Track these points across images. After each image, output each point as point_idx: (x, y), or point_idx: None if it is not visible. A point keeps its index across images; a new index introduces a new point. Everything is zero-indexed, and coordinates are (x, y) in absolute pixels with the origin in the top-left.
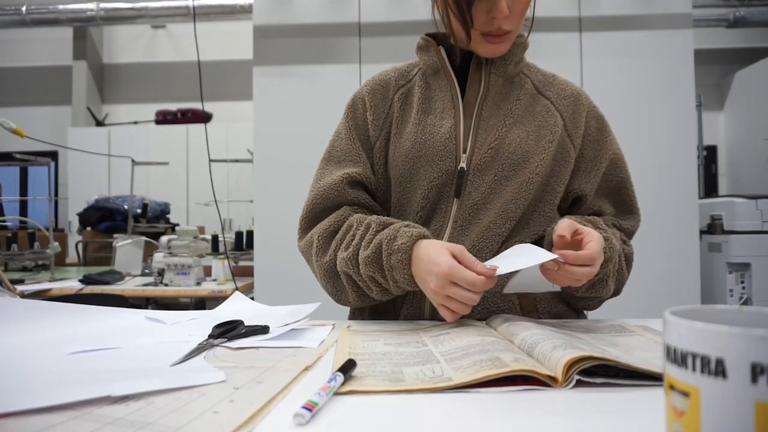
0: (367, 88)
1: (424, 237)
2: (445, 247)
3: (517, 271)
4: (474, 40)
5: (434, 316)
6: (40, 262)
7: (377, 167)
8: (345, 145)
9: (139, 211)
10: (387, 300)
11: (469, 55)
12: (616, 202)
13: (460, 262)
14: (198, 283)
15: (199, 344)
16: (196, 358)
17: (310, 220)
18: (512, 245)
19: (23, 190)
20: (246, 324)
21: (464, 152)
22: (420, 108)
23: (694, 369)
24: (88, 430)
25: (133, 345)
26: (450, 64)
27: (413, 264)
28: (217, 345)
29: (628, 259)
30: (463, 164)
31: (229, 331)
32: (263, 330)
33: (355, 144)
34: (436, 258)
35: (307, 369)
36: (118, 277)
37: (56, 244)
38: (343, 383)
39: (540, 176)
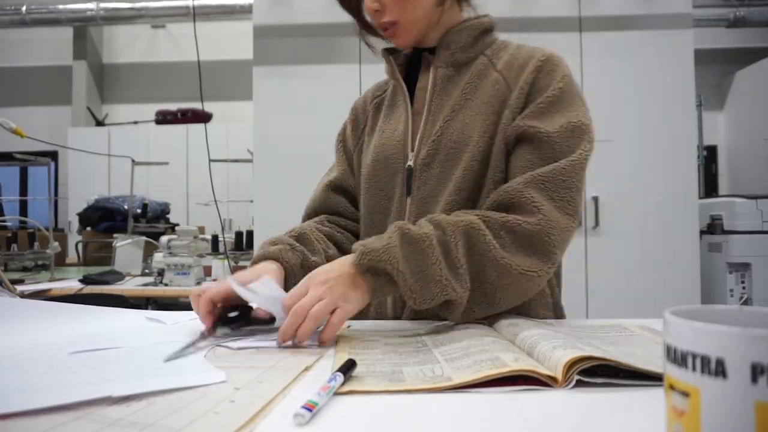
0: (354, 104)
1: (262, 259)
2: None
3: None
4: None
5: (397, 314)
6: (40, 262)
7: (356, 173)
8: (335, 156)
9: (139, 211)
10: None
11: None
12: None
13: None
14: (198, 283)
15: (195, 339)
16: (197, 357)
17: (304, 220)
18: None
19: (23, 190)
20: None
21: (412, 151)
22: (384, 114)
23: (694, 369)
24: (91, 431)
25: (133, 345)
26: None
27: None
28: (216, 342)
29: (491, 263)
30: (410, 162)
31: (237, 319)
32: (270, 320)
33: (340, 153)
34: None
35: (307, 369)
36: (118, 277)
37: (56, 244)
38: (343, 383)
39: (479, 160)
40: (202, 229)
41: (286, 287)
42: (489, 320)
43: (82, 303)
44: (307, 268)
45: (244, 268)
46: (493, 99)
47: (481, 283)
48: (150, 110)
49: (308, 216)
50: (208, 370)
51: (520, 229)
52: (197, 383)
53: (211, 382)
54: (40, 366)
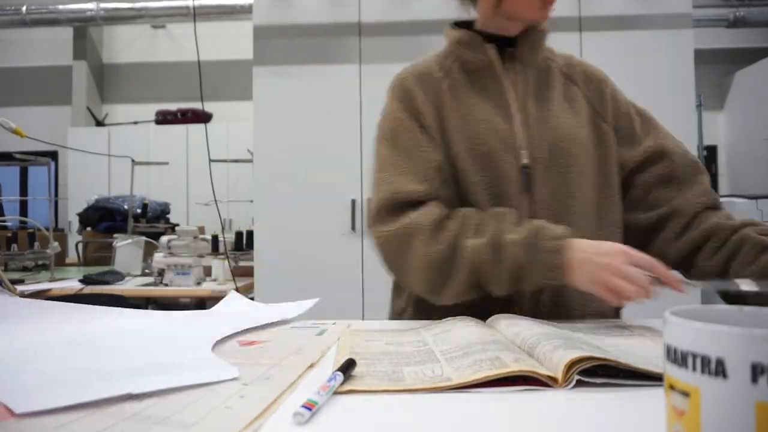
0: (413, 78)
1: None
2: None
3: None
4: (528, 4)
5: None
6: (40, 262)
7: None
8: (416, 136)
9: (139, 211)
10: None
11: (495, 45)
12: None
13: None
14: (198, 283)
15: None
16: (209, 354)
17: (397, 210)
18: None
19: (23, 190)
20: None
21: (522, 148)
22: (472, 105)
23: (694, 369)
24: (106, 426)
25: (141, 345)
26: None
27: (573, 251)
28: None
29: None
30: (525, 160)
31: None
32: None
33: (427, 134)
34: (608, 245)
35: (312, 366)
36: (118, 277)
37: (56, 244)
38: (343, 382)
39: (591, 163)
40: (202, 229)
41: None
42: (490, 320)
43: (82, 303)
44: None
45: (244, 268)
46: (584, 113)
47: None
48: (150, 110)
49: (399, 203)
50: (221, 366)
51: None
52: (211, 380)
53: (225, 378)
54: (50, 364)
